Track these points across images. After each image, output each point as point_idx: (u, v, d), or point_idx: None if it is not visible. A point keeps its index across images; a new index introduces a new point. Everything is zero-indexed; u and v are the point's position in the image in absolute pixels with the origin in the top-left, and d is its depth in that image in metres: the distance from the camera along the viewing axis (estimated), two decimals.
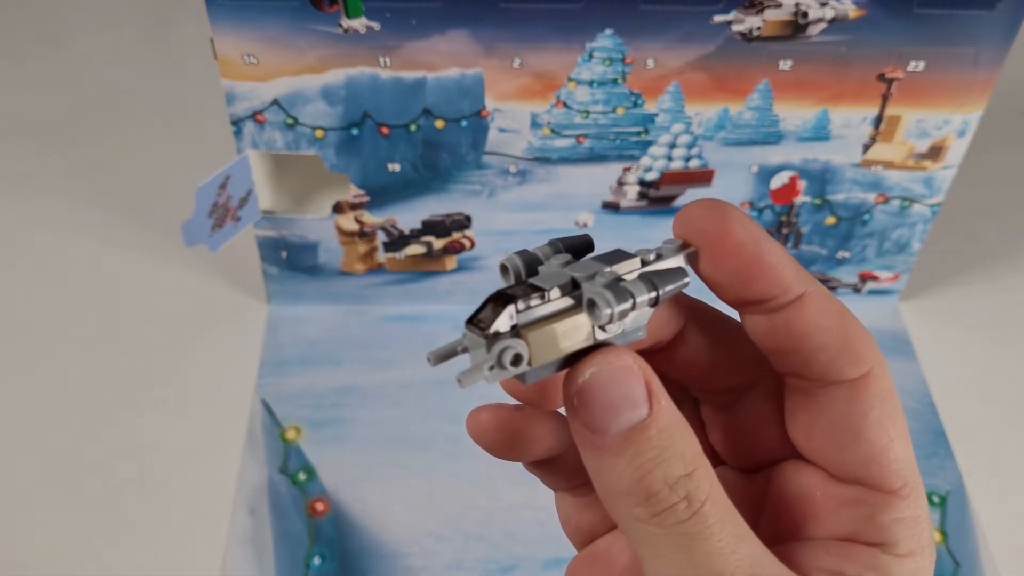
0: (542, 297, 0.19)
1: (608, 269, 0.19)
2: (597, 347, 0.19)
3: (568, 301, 0.19)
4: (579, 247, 0.21)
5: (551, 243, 0.21)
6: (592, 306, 0.19)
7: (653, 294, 0.19)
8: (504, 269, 0.20)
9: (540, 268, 0.20)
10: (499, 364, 0.18)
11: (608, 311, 0.18)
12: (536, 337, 0.19)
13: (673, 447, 0.18)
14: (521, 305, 0.19)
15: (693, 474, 0.18)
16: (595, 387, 0.18)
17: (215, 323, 0.59)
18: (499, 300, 0.19)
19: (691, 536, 0.18)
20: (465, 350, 0.19)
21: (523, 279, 0.20)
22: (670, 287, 0.19)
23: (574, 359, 0.19)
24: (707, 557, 0.18)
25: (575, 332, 0.19)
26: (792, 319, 0.20)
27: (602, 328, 0.19)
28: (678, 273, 0.19)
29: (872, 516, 0.20)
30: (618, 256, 0.20)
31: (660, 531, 0.18)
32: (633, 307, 0.19)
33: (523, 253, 0.20)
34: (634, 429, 0.18)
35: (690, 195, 0.55)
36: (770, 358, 0.21)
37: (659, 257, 0.20)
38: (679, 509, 0.18)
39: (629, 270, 0.19)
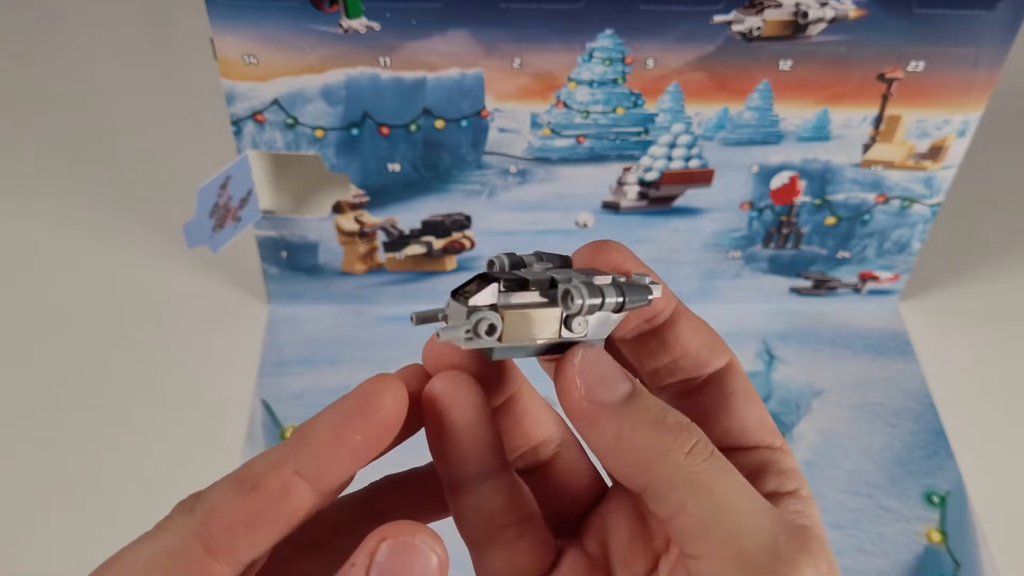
0: (523, 287, 0.21)
1: (583, 276, 0.21)
2: (565, 347, 0.21)
3: (544, 298, 0.21)
4: (560, 260, 0.23)
5: (536, 253, 0.23)
6: (566, 296, 0.21)
7: (620, 299, 0.21)
8: (491, 263, 0.22)
9: (523, 269, 0.22)
10: (475, 332, 0.20)
11: (580, 302, 0.20)
12: (511, 317, 0.20)
13: (666, 405, 0.21)
14: (503, 287, 0.21)
15: (693, 424, 0.21)
16: (588, 365, 0.21)
17: (215, 323, 0.60)
18: (485, 278, 0.21)
19: (721, 469, 0.20)
20: (445, 317, 0.21)
21: (508, 271, 0.22)
22: (636, 298, 0.21)
23: (541, 353, 0.22)
24: (743, 486, 0.20)
25: (546, 323, 0.21)
26: (678, 330, 0.23)
27: (568, 327, 0.21)
28: (643, 290, 0.21)
29: (780, 470, 0.23)
30: (594, 271, 0.22)
31: (701, 464, 0.20)
32: (602, 305, 0.20)
33: (511, 255, 0.22)
34: (631, 394, 0.21)
35: (690, 195, 0.55)
36: (658, 373, 0.24)
37: (627, 281, 0.22)
38: (702, 445, 0.21)
39: (603, 280, 0.21)
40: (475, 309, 0.20)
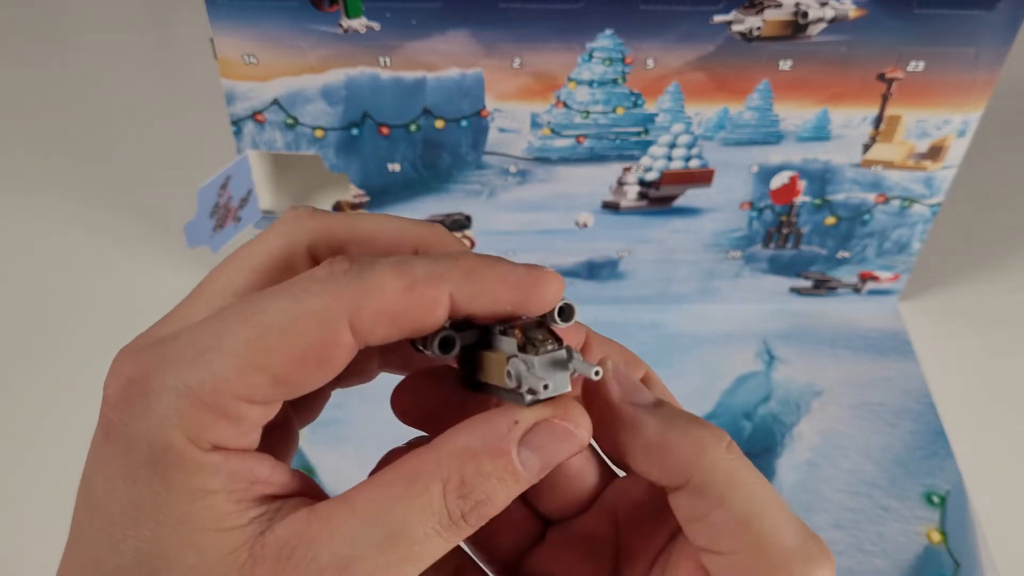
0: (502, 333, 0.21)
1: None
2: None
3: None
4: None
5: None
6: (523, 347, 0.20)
7: (564, 353, 0.20)
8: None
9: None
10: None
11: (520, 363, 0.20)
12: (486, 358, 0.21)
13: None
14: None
15: None
16: (622, 372, 0.22)
17: None
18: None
19: (753, 468, 0.21)
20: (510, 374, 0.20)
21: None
22: (582, 362, 0.20)
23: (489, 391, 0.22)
24: (771, 486, 0.21)
25: (498, 366, 0.21)
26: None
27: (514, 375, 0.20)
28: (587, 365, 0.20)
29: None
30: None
31: (738, 460, 0.21)
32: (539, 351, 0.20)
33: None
34: (658, 399, 0.22)
35: (690, 195, 0.55)
36: None
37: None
38: (735, 444, 0.21)
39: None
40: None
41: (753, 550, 0.20)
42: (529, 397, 0.20)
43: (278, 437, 0.23)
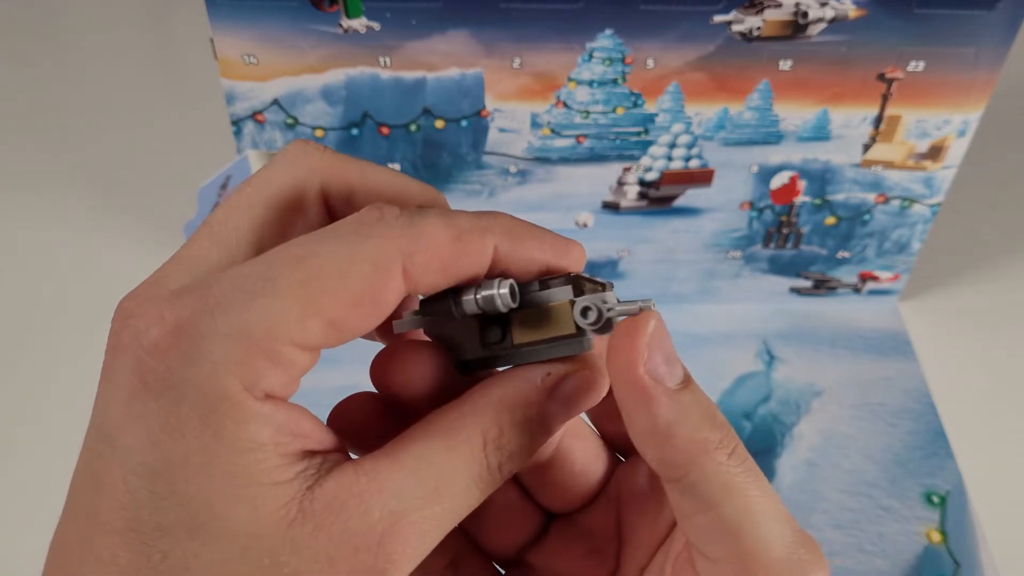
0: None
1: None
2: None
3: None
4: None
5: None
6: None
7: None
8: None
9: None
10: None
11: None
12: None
13: (712, 402, 0.21)
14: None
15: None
16: (659, 338, 0.20)
17: None
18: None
19: (755, 475, 0.20)
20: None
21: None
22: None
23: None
24: (771, 492, 0.20)
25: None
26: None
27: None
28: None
29: None
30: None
31: (739, 468, 0.20)
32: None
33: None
34: (685, 380, 0.20)
35: (690, 195, 0.55)
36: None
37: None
38: (741, 449, 0.20)
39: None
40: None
41: (740, 560, 0.19)
42: (593, 336, 0.21)
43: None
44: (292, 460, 0.18)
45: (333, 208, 0.22)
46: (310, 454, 0.19)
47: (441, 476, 0.19)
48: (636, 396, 0.20)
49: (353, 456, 0.20)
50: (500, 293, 0.20)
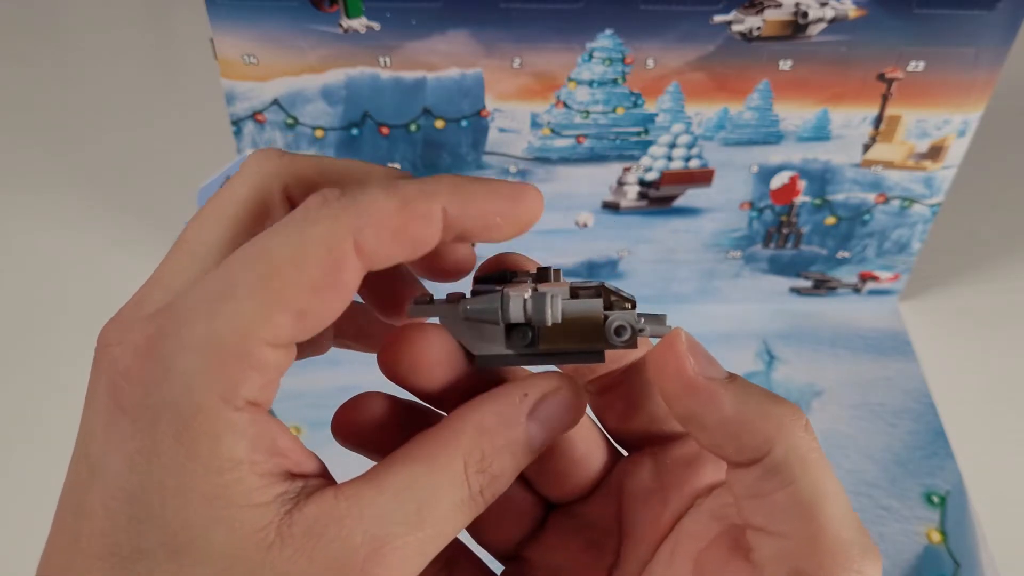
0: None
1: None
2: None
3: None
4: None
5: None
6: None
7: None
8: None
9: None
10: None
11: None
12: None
13: None
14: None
15: None
16: (695, 345, 0.21)
17: None
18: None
19: (822, 452, 0.20)
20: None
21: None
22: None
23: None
24: (834, 475, 0.20)
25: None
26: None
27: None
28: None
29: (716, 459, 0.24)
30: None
31: (814, 443, 0.20)
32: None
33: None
34: (731, 374, 0.21)
35: (690, 195, 0.55)
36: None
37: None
38: (810, 425, 0.21)
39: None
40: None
41: (811, 536, 0.19)
42: (621, 345, 0.21)
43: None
44: (270, 482, 0.18)
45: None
46: (290, 477, 0.19)
47: (423, 501, 0.19)
48: (696, 396, 0.21)
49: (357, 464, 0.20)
50: (552, 311, 0.21)
